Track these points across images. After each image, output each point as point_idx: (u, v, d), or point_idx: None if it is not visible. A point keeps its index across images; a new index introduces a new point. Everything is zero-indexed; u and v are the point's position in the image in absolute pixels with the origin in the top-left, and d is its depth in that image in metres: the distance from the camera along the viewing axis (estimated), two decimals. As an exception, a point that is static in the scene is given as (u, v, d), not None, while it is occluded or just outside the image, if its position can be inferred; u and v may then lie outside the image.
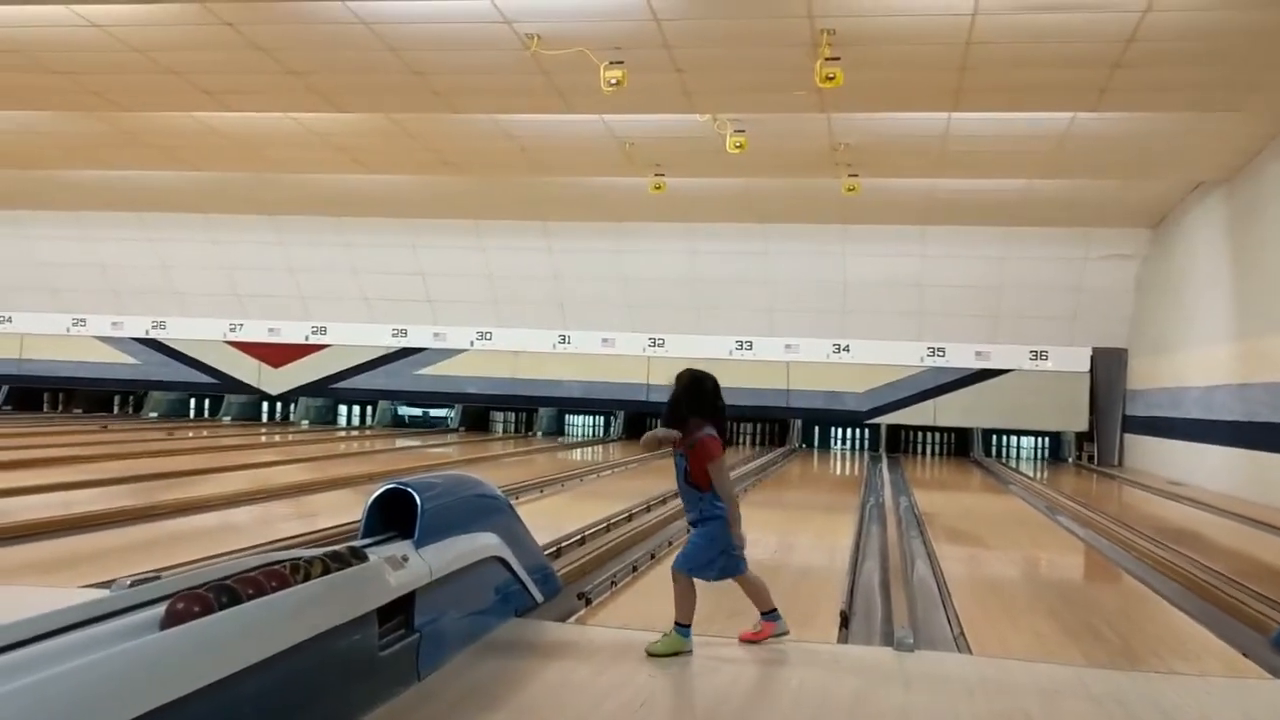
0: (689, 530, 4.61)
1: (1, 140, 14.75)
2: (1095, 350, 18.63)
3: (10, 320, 21.93)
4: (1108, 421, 18.59)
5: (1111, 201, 15.81)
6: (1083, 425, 18.87)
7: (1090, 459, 18.66)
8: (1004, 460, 19.26)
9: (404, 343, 20.92)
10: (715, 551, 4.47)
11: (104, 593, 3.28)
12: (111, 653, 2.35)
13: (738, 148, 12.00)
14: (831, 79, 9.46)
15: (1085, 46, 9.38)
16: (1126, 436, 18.21)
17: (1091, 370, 18.68)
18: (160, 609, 2.71)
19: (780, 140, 12.71)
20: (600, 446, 19.14)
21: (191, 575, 3.07)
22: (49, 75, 11.46)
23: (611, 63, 9.78)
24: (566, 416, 21.46)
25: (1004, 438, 20.02)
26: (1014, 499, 12.75)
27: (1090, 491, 14.59)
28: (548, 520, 7.68)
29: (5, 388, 22.65)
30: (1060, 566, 8.35)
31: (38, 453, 12.16)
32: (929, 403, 19.22)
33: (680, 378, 4.69)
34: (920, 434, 20.22)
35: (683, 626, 4.34)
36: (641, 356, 20.03)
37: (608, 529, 7.94)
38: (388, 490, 4.22)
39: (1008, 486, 14.28)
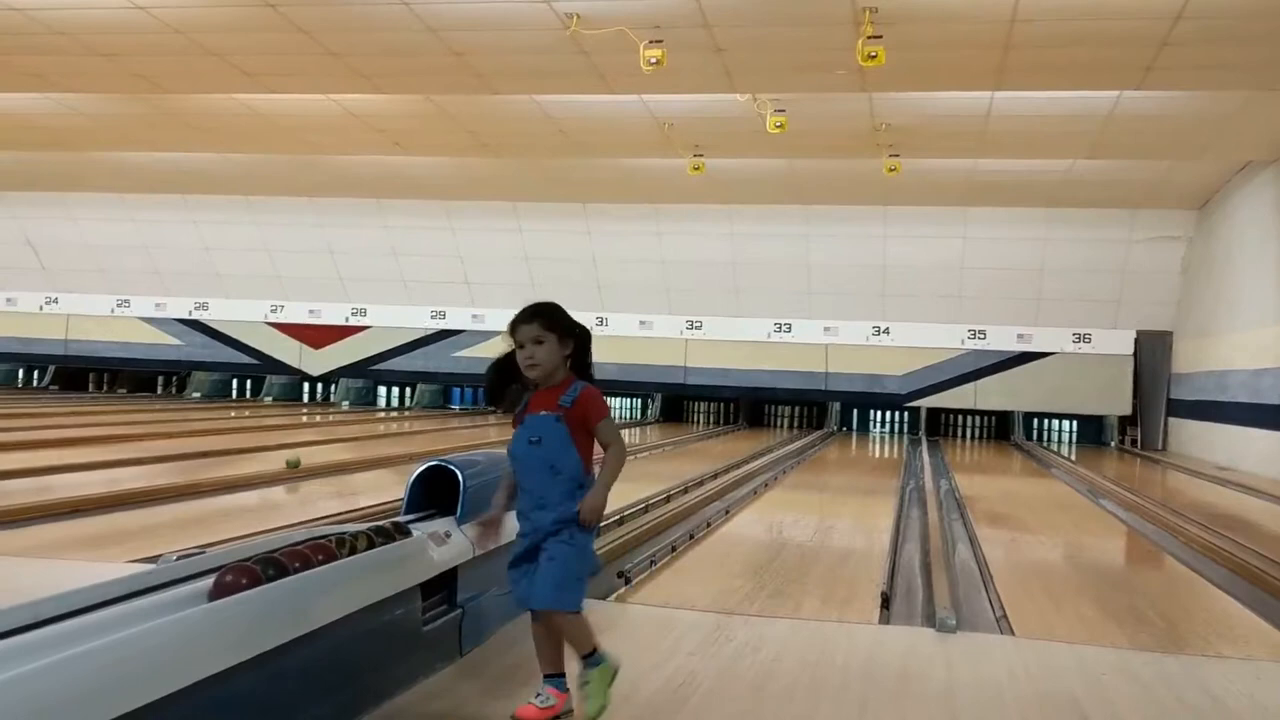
0: (517, 563, 3.26)
1: (48, 123, 14.92)
2: (1139, 333, 18.39)
3: (57, 301, 22.24)
4: (1152, 405, 18.36)
5: (1157, 182, 15.57)
6: (1126, 409, 18.64)
7: (1134, 443, 18.45)
8: (1045, 444, 19.09)
9: (442, 325, 21.00)
10: (586, 568, 3.26)
11: (150, 566, 3.32)
12: (161, 622, 2.38)
13: (778, 128, 11.93)
14: (873, 58, 9.36)
15: (1131, 24, 9.22)
16: (1171, 420, 17.98)
17: (1135, 353, 18.45)
18: (207, 582, 2.74)
19: (821, 120, 12.62)
20: (637, 429, 19.15)
21: (237, 549, 3.10)
22: (94, 58, 11.57)
23: (651, 42, 9.74)
24: (604, 399, 21.46)
25: (1045, 421, 19.84)
26: (1056, 483, 12.63)
27: (1134, 476, 14.43)
28: (586, 500, 7.68)
29: (52, 368, 23.01)
30: (1104, 550, 8.26)
31: (84, 431, 12.35)
32: (969, 385, 19.07)
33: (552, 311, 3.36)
34: (960, 417, 20.08)
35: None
36: (679, 339, 20.00)
37: (645, 510, 7.95)
38: (430, 467, 4.23)
39: (1049, 470, 14.16)
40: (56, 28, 10.69)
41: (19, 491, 7.25)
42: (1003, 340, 18.90)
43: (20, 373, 23.60)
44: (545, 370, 3.29)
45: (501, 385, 3.41)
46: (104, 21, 10.46)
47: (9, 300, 22.39)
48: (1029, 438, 19.41)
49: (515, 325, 3.34)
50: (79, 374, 23.17)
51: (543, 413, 3.25)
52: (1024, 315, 18.69)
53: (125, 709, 2.16)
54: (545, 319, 3.30)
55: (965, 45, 9.95)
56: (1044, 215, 17.42)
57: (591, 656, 3.20)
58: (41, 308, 22.26)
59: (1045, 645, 4.50)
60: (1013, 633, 4.79)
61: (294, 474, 9.29)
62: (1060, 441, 19.55)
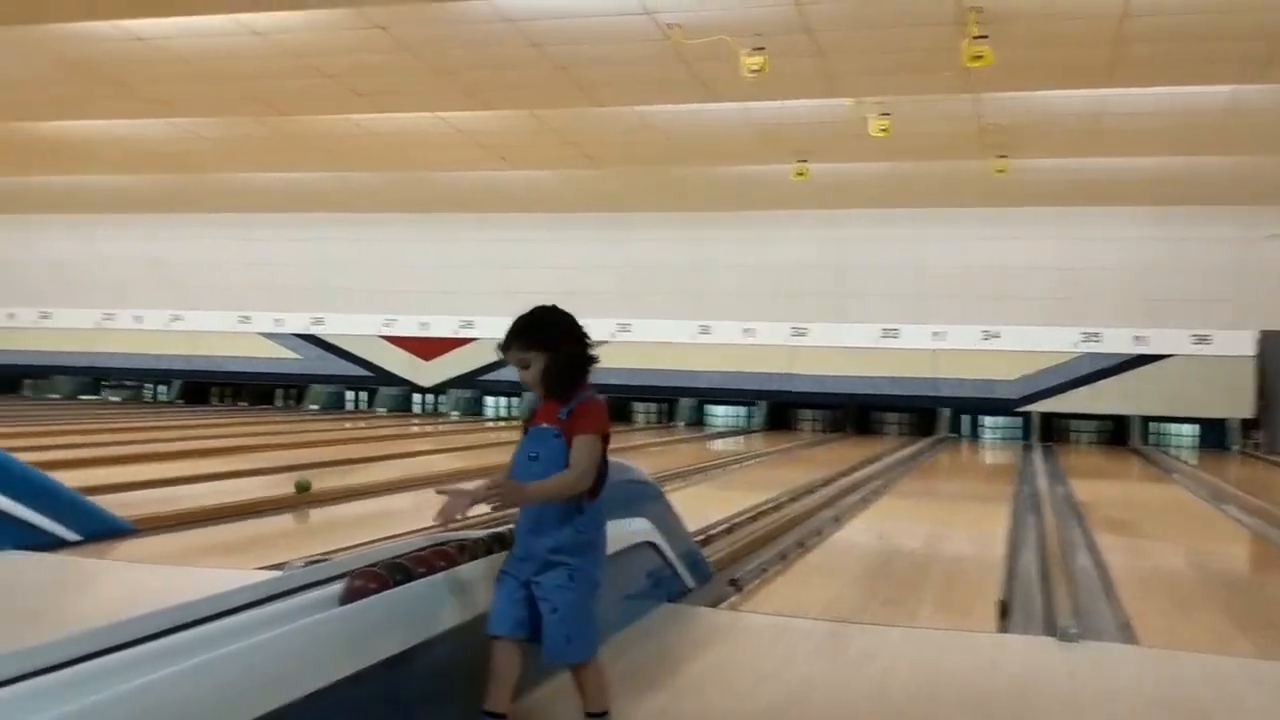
0: (503, 578, 2.95)
1: (173, 147, 15.55)
2: (1262, 333, 17.70)
3: (182, 318, 23.10)
4: (1276, 408, 17.64)
5: (1278, 178, 14.99)
6: (1248, 411, 17.95)
7: (1257, 446, 17.75)
8: (1164, 449, 18.47)
9: (547, 334, 21.20)
10: (590, 604, 2.90)
11: (279, 573, 3.44)
12: (296, 626, 2.47)
13: (882, 131, 11.82)
14: (979, 58, 9.24)
15: (1249, 16, 8.94)
16: (1298, 423, 17.28)
17: (1259, 354, 17.76)
18: (336, 587, 2.83)
19: (926, 122, 12.47)
20: (742, 437, 19.09)
21: (362, 555, 3.19)
22: (215, 83, 12.04)
23: (752, 49, 9.75)
24: (707, 407, 21.47)
25: (1164, 425, 19.20)
26: (1176, 488, 12.24)
27: (1259, 480, 13.87)
28: (692, 509, 7.68)
29: (177, 383, 23.91)
30: (1230, 557, 7.98)
31: (208, 443, 12.79)
32: (1084, 389, 18.57)
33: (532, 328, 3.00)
34: (1075, 422, 19.56)
35: (495, 716, 2.87)
36: (783, 346, 19.89)
37: (754, 518, 7.92)
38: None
39: (1170, 475, 13.71)
40: (180, 56, 11.15)
41: (148, 501, 7.54)
42: (1118, 342, 18.38)
43: (147, 387, 24.59)
44: (541, 391, 2.98)
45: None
46: (224, 48, 10.87)
47: (137, 318, 23.32)
48: (1147, 442, 18.81)
49: (502, 348, 3.03)
50: (202, 388, 24.01)
51: (544, 425, 2.94)
52: (1140, 316, 18.14)
53: (262, 710, 2.25)
54: (525, 339, 2.97)
55: (1074, 43, 9.75)
56: (1160, 213, 16.92)
57: (602, 718, 2.91)
58: (167, 324, 23.16)
59: (1172, 655, 4.37)
60: (1137, 642, 4.66)
61: (409, 483, 9.50)
62: (1180, 446, 18.90)
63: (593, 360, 2.99)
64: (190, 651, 2.22)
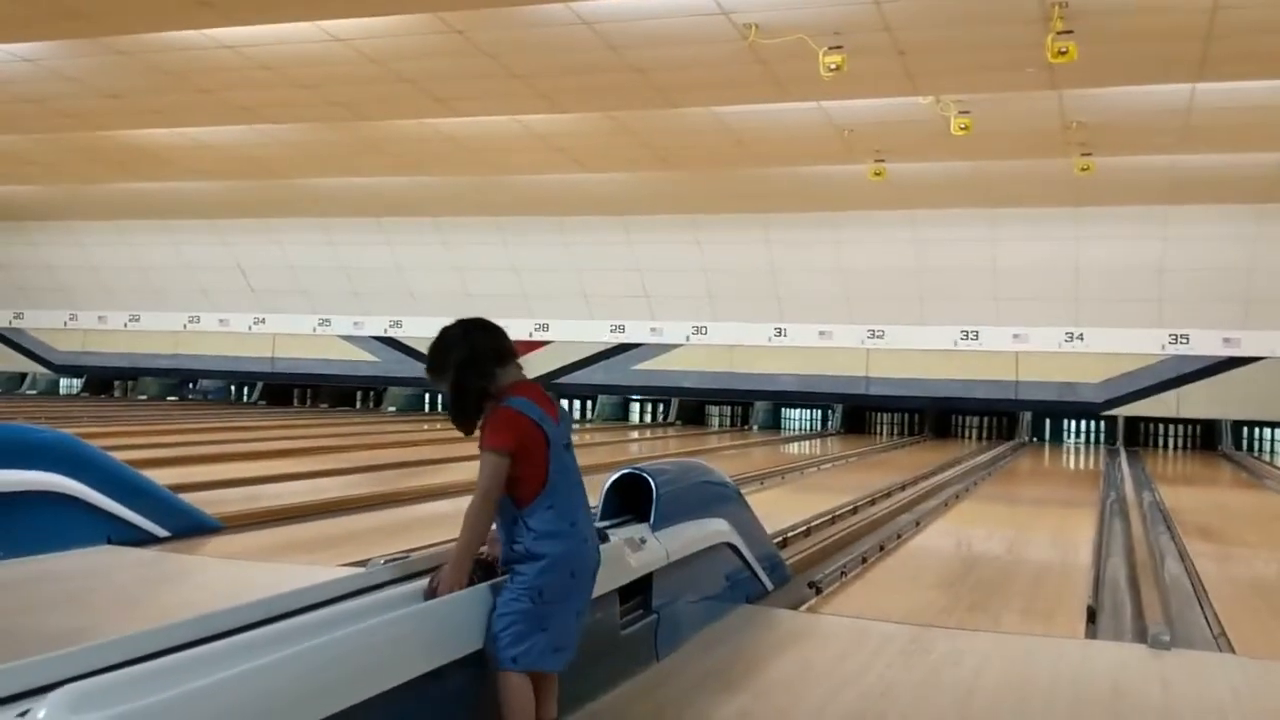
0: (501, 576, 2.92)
1: (255, 153, 15.86)
2: (1360, 335, 17.10)
3: (264, 321, 23.57)
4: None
5: (1380, 172, 14.47)
6: (1347, 416, 17.35)
7: (1356, 452, 17.15)
8: (1257, 454, 17.93)
9: (621, 338, 21.27)
10: (516, 619, 2.77)
11: (362, 570, 3.47)
12: (381, 621, 2.50)
13: (963, 129, 11.64)
14: (1064, 54, 9.03)
15: (1353, 3, 8.63)
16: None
17: (1357, 356, 17.16)
18: (419, 584, 2.85)
19: (1008, 120, 12.25)
20: (818, 440, 18.94)
21: (442, 553, 3.20)
22: (297, 89, 12.25)
23: (830, 48, 9.65)
24: (783, 410, 21.34)
25: (1256, 430, 18.63)
26: (1271, 494, 11.87)
27: (1359, 488, 13.39)
28: (769, 512, 7.61)
29: (260, 384, 24.41)
30: (1330, 567, 7.70)
31: (290, 444, 13.03)
32: (1171, 393, 18.08)
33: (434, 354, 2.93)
34: (1162, 426, 19.08)
35: None
36: (860, 349, 19.68)
37: (832, 521, 7.84)
38: (623, 475, 4.29)
39: (1263, 482, 13.30)
40: (263, 63, 11.37)
41: (233, 500, 7.70)
42: (1207, 345, 17.86)
43: (231, 389, 25.16)
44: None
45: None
46: (306, 55, 11.06)
47: (221, 321, 23.86)
48: (1238, 448, 18.27)
49: None
50: (284, 390, 24.50)
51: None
52: (1231, 318, 17.61)
53: (346, 704, 2.27)
54: (430, 368, 2.93)
55: (1162, 37, 9.50)
56: (1253, 211, 16.39)
57: None
58: (250, 328, 23.64)
59: (1271, 664, 4.22)
60: (1232, 651, 4.52)
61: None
62: (1274, 452, 18.33)
63: (482, 380, 2.86)
64: (278, 644, 2.25)
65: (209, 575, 5.36)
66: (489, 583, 2.87)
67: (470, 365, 2.86)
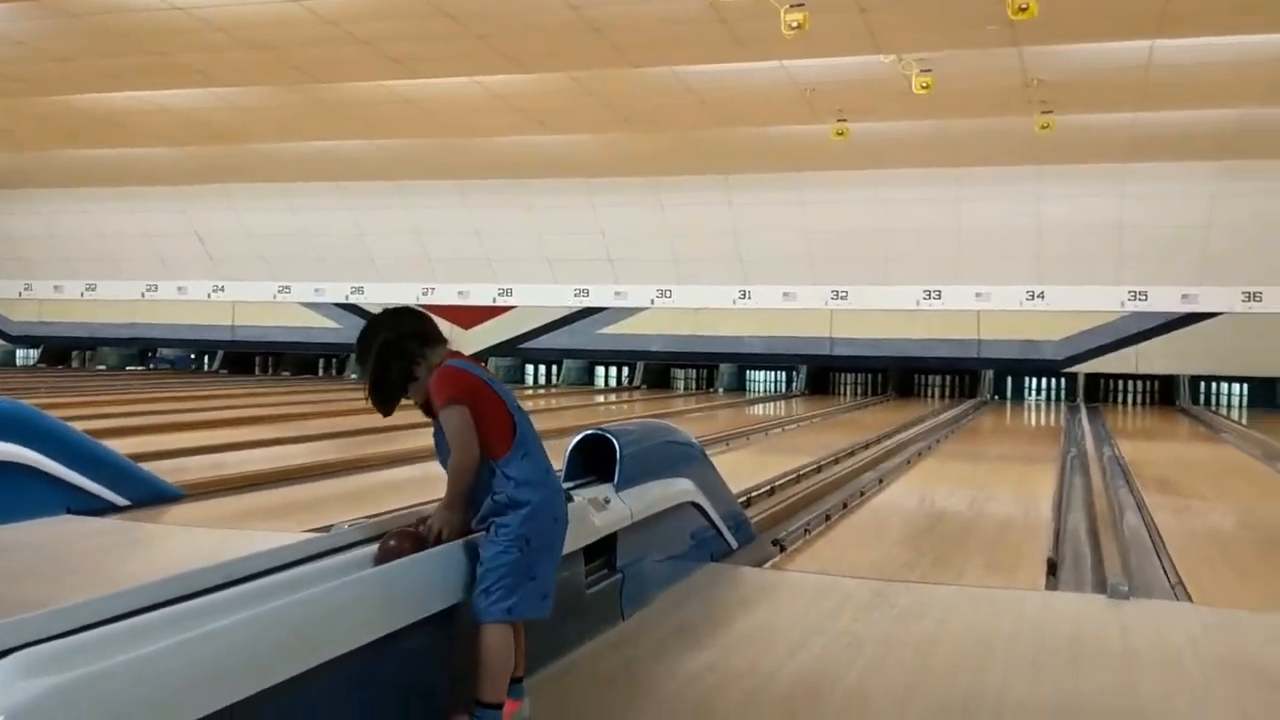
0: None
1: (210, 117, 15.61)
2: (1316, 289, 17.35)
3: (223, 289, 23.32)
4: (1330, 365, 17.32)
5: (1335, 128, 14.63)
6: (1302, 370, 17.65)
7: (1311, 405, 17.45)
8: (1214, 408, 18.20)
9: (586, 302, 21.22)
10: (505, 568, 2.72)
11: (319, 534, 3.44)
12: (330, 587, 2.45)
13: (924, 88, 11.64)
14: (1024, 10, 9.05)
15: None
16: (1352, 381, 16.94)
17: (1312, 311, 17.43)
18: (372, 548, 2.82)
19: (969, 78, 12.26)
20: (783, 402, 19.02)
21: (401, 516, 3.17)
22: (252, 52, 12.05)
23: (792, 6, 9.60)
24: (748, 372, 21.40)
25: (1213, 384, 18.91)
26: (1228, 448, 12.05)
27: (1314, 440, 13.63)
28: (734, 472, 7.63)
29: (220, 353, 24.17)
30: (1285, 517, 7.83)
31: (253, 411, 12.92)
32: (1131, 350, 18.31)
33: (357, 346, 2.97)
34: (1121, 382, 19.32)
35: (488, 708, 2.67)
36: (824, 310, 19.75)
37: (797, 479, 7.89)
38: (587, 436, 4.28)
39: (1220, 435, 13.51)
40: (217, 24, 11.17)
41: (195, 468, 7.63)
42: (1166, 301, 18.08)
43: (192, 356, 24.90)
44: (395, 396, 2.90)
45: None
46: (260, 16, 10.87)
47: (180, 289, 23.58)
48: (1196, 402, 18.54)
49: None
50: (245, 358, 24.28)
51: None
52: (1189, 274, 17.82)
53: (300, 669, 2.24)
54: (358, 355, 2.93)
55: (1123, -8, 9.53)
56: (1212, 169, 16.54)
57: (486, 710, 2.67)
58: (209, 296, 23.39)
59: (1227, 612, 4.29)
60: (1189, 600, 4.59)
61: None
62: (1230, 406, 18.61)
63: (403, 359, 2.85)
64: (237, 607, 2.22)
65: (170, 543, 5.32)
66: (456, 541, 2.85)
67: (393, 346, 2.86)
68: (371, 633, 2.46)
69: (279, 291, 22.91)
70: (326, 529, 4.65)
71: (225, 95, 14.42)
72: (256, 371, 24.19)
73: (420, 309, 2.99)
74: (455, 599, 2.77)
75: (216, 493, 6.77)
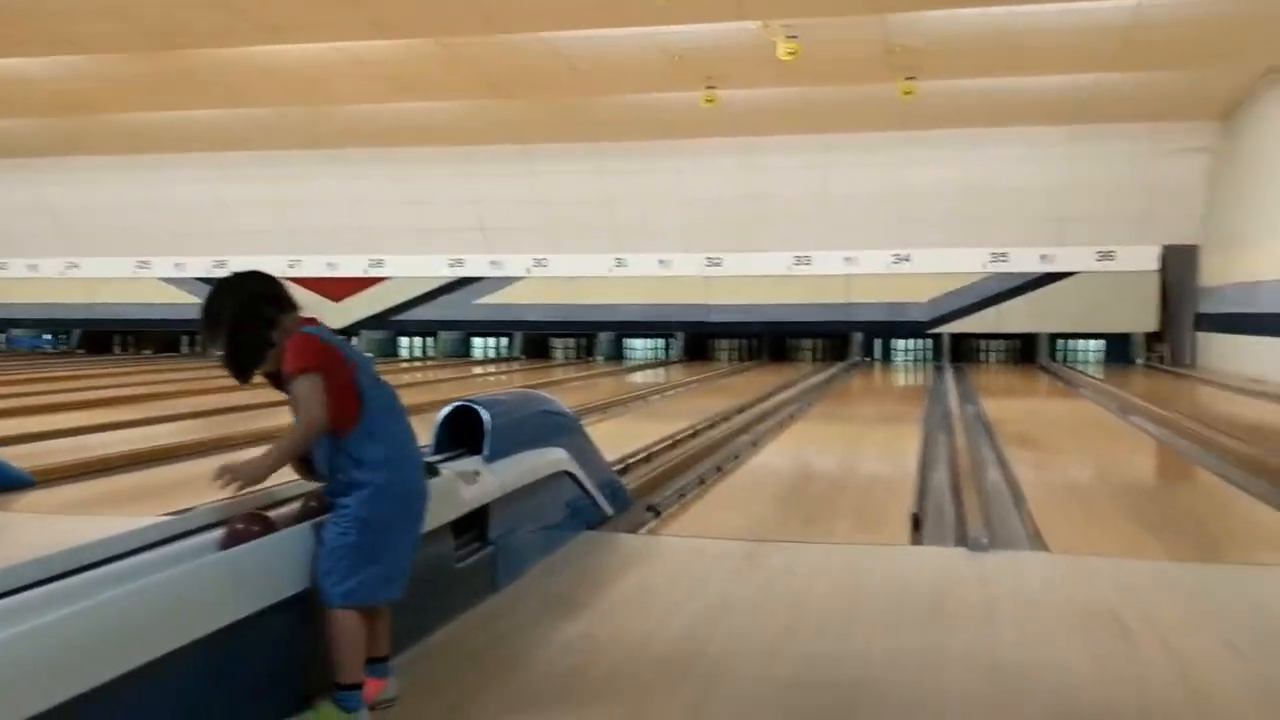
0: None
1: (60, 86, 14.88)
2: (1165, 248, 18.16)
3: (78, 265, 22.33)
4: (1179, 321, 18.19)
5: (1180, 94, 15.28)
6: (1153, 325, 18.49)
7: (1161, 359, 18.30)
8: (1072, 365, 18.95)
9: (461, 273, 20.97)
10: (355, 545, 2.65)
11: (175, 517, 3.30)
12: (172, 574, 2.35)
13: (790, 54, 11.74)
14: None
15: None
16: (1198, 335, 17.82)
17: (1161, 269, 18.24)
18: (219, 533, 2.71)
19: (834, 45, 12.42)
20: (661, 368, 19.13)
21: (256, 498, 3.04)
22: (105, 19, 11.49)
23: (659, -28, 9.57)
24: (625, 340, 21.47)
25: (1071, 342, 19.69)
26: (1084, 402, 12.56)
27: (1163, 392, 14.30)
28: (612, 439, 7.65)
29: (77, 331, 23.18)
30: (1136, 466, 8.21)
31: (113, 392, 12.43)
32: (992, 309, 18.94)
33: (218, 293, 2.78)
34: (985, 342, 19.96)
35: (346, 689, 2.62)
36: (699, 277, 19.91)
37: (673, 445, 7.94)
38: (456, 408, 4.22)
39: (1077, 390, 14.07)
40: (61, -13, 10.63)
41: (49, 453, 7.30)
42: (1025, 262, 18.72)
43: (46, 337, 23.80)
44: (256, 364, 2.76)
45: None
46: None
47: (31, 266, 22.51)
48: (1055, 359, 19.28)
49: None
50: (104, 336, 23.34)
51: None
52: (1047, 236, 18.48)
53: (146, 658, 2.16)
54: (206, 323, 2.75)
55: (980, -41, 9.74)
56: (1066, 132, 17.15)
57: (345, 692, 2.62)
58: (63, 272, 22.39)
59: (1081, 560, 4.48)
60: (1048, 550, 4.76)
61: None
62: (1087, 362, 19.41)
63: (261, 325, 2.71)
64: (82, 594, 2.12)
65: (18, 531, 5.07)
66: (309, 522, 2.76)
67: (248, 311, 2.71)
68: (219, 619, 2.38)
69: (137, 267, 22.05)
70: (187, 511, 4.50)
71: (76, 64, 13.75)
72: (116, 350, 23.28)
73: (266, 272, 2.83)
74: (307, 583, 2.68)
75: (73, 478, 6.51)
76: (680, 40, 12.42)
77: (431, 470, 3.56)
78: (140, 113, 16.82)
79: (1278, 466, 6.91)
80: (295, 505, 2.90)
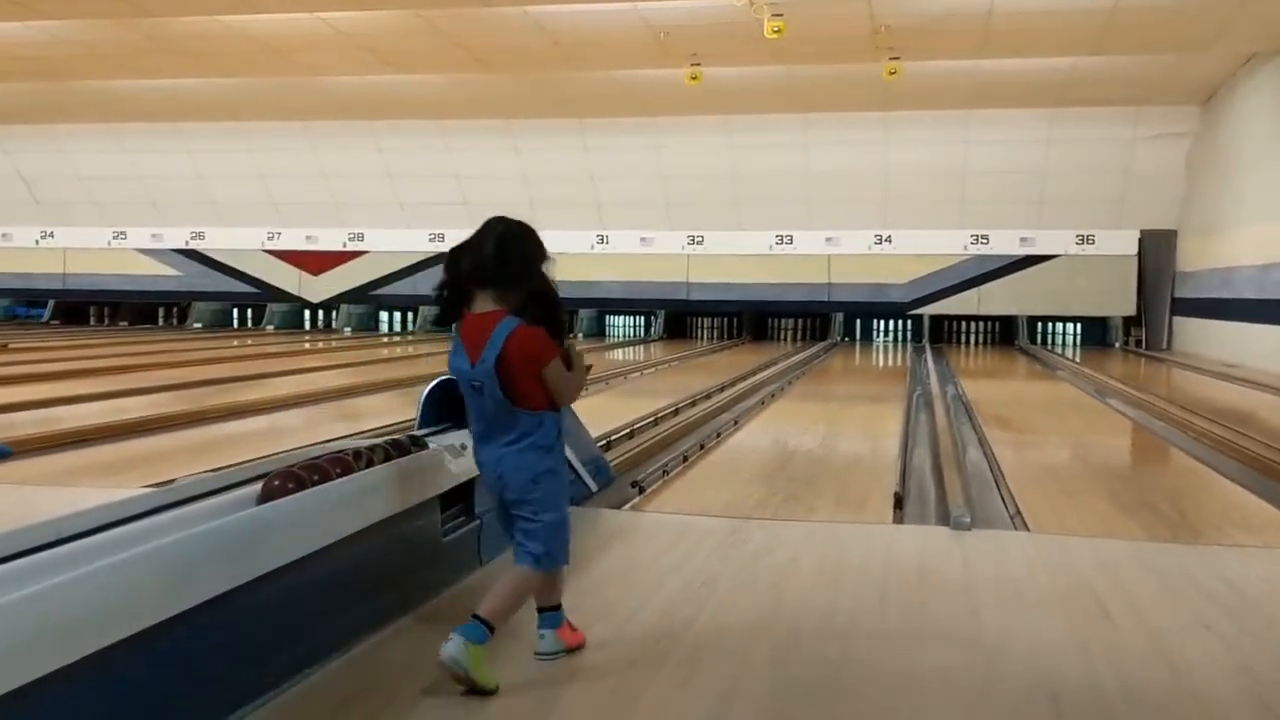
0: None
1: (35, 52, 14.64)
2: (1143, 233, 18.25)
3: (53, 235, 22.10)
4: (1156, 305, 18.31)
5: (1161, 78, 15.32)
6: (1130, 309, 18.60)
7: (1138, 343, 18.44)
8: (1050, 347, 19.07)
9: (441, 247, 20.79)
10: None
11: (159, 489, 3.31)
12: (214, 525, 2.45)
13: (776, 32, 11.69)
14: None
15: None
16: (1175, 320, 17.94)
17: (1139, 253, 18.34)
18: (219, 499, 2.74)
19: (819, 24, 12.37)
20: (642, 346, 19.14)
21: (269, 461, 3.12)
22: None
23: (645, -54, 9.50)
24: (607, 317, 21.44)
25: (1050, 324, 19.81)
26: (1063, 384, 12.65)
27: (1140, 374, 14.44)
28: (594, 416, 7.63)
29: (51, 302, 22.96)
30: (1114, 447, 8.29)
31: (88, 364, 12.32)
32: (972, 292, 19.00)
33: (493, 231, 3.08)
34: (964, 323, 20.05)
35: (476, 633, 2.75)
36: (680, 255, 19.88)
37: (655, 423, 7.95)
38: (441, 382, 4.21)
39: (1055, 372, 14.17)
40: (36, -49, 10.46)
41: (27, 423, 7.25)
42: (1005, 244, 18.78)
43: (24, 305, 23.58)
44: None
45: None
46: (84, -57, 10.22)
47: (4, 235, 22.26)
48: (1033, 342, 19.40)
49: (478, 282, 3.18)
50: (79, 307, 23.14)
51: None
52: (1027, 218, 18.54)
53: (184, 606, 2.26)
54: (508, 266, 3.17)
55: (967, -60, 9.72)
56: (1047, 116, 17.17)
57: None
58: (38, 242, 22.14)
59: (1061, 539, 4.52)
60: (1027, 529, 4.80)
61: (299, 400, 9.32)
62: (1065, 344, 19.54)
63: (529, 281, 3.17)
64: (66, 566, 2.12)
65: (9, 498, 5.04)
66: (322, 488, 2.82)
67: (532, 263, 3.13)
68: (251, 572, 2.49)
69: (114, 238, 21.83)
70: (167, 483, 4.48)
71: (50, 28, 13.54)
72: (92, 322, 23.08)
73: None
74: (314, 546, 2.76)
75: (49, 449, 6.46)
76: (665, 17, 12.35)
77: (418, 443, 3.56)
78: (117, 80, 16.60)
79: (1251, 449, 6.99)
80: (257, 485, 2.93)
